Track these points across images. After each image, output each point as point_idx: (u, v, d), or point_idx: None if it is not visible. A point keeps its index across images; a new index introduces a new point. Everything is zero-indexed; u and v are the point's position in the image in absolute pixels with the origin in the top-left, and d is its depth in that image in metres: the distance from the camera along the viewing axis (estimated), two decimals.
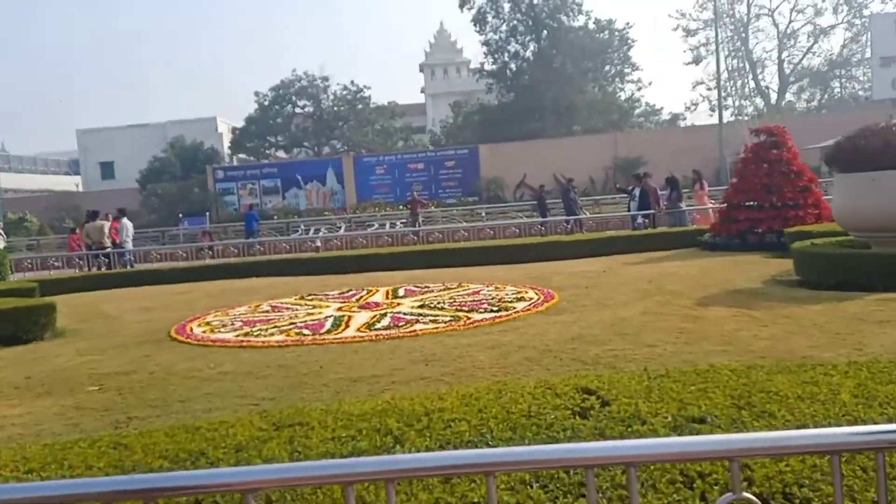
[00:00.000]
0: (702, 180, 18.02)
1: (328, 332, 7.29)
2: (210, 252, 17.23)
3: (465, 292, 9.50)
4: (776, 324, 6.34)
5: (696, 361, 5.20)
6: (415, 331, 7.01)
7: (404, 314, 7.97)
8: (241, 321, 8.35)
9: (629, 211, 16.89)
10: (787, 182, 13.04)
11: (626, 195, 17.62)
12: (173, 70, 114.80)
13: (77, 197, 41.25)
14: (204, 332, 7.81)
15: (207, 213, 31.31)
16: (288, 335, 7.23)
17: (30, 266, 16.30)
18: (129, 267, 16.15)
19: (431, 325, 7.22)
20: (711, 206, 16.94)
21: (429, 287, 10.27)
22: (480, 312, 7.74)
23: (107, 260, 16.02)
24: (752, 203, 13.20)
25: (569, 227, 16.63)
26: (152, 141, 44.41)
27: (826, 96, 55.17)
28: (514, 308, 7.85)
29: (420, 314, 7.92)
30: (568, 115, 41.29)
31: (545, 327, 6.74)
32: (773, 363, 3.86)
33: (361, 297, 9.76)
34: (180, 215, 30.87)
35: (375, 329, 7.25)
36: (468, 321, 7.28)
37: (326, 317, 8.18)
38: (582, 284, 9.45)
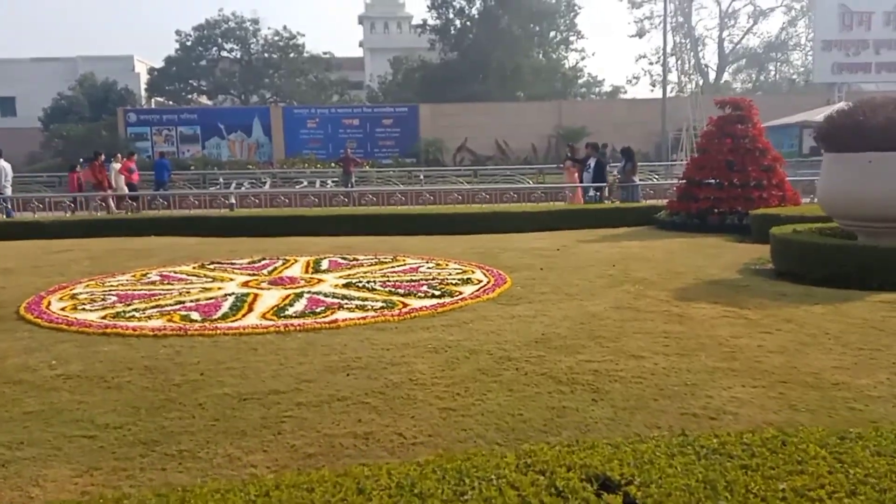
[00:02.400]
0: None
1: (224, 317, 5.71)
2: (103, 204, 15.14)
3: (401, 269, 8.04)
4: (780, 330, 5.16)
5: (702, 386, 3.95)
6: (336, 321, 5.52)
7: (324, 296, 6.46)
8: (116, 295, 6.65)
9: (580, 182, 15.68)
10: (752, 160, 12.05)
11: (577, 164, 16.40)
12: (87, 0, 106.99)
13: None
14: (63, 308, 6.10)
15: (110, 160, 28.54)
16: (170, 319, 5.62)
17: None
18: (7, 216, 13.93)
19: (358, 314, 5.74)
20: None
21: (358, 260, 8.76)
22: (419, 298, 6.30)
23: None
24: (712, 181, 12.18)
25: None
26: (60, 77, 40.61)
27: (762, 78, 55.72)
28: (460, 293, 6.45)
29: (344, 296, 6.42)
30: (513, 78, 39.91)
31: (500, 323, 5.37)
32: (870, 430, 2.57)
33: (275, 268, 8.17)
34: (81, 160, 28.05)
35: (285, 315, 5.73)
36: (404, 309, 5.84)
37: (226, 294, 6.57)
38: (536, 265, 8.13)
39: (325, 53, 46.91)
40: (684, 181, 12.72)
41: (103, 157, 18.12)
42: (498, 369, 4.23)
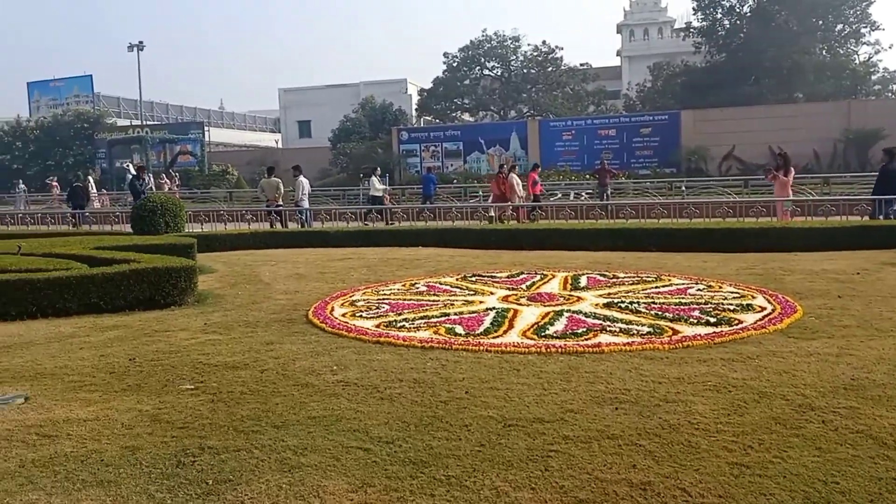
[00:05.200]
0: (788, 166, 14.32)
1: (486, 332, 5.70)
2: (379, 216, 16.40)
3: (667, 289, 7.49)
4: None
5: None
6: (599, 345, 5.22)
7: (585, 316, 6.18)
8: (389, 304, 7.01)
9: (875, 194, 13.55)
10: None
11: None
12: (375, 30, 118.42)
13: (276, 153, 43.25)
14: (344, 314, 6.55)
15: (387, 175, 31.06)
16: (436, 331, 5.75)
17: (206, 219, 16.43)
18: (303, 226, 15.70)
19: (622, 339, 5.38)
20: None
21: (618, 277, 8.35)
22: (691, 324, 5.75)
23: (279, 217, 15.70)
24: None
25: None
26: (346, 101, 45.39)
27: None
28: (740, 322, 5.77)
29: (606, 318, 6.09)
30: (790, 78, 36.25)
31: (794, 361, 4.65)
32: None
33: (534, 283, 8.07)
34: (361, 175, 30.91)
35: (545, 335, 5.56)
36: (675, 337, 5.36)
37: (487, 309, 6.59)
38: (831, 291, 7.05)
39: (582, 65, 46.76)
40: None
41: (508, 168, 18.44)
42: (798, 420, 3.62)
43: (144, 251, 8.91)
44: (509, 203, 16.66)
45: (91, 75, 49.19)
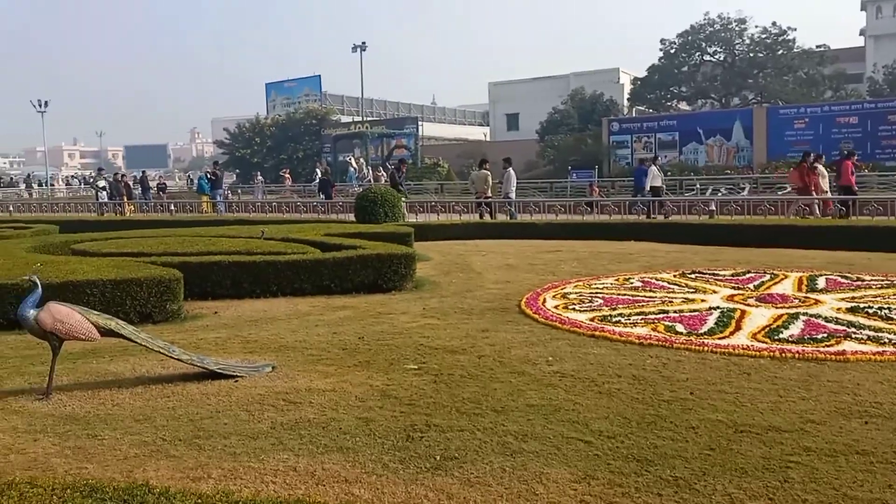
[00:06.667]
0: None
1: (710, 332, 5.38)
2: (589, 209, 16.10)
3: None
4: None
5: None
6: (843, 353, 4.71)
7: (825, 320, 5.61)
8: (602, 298, 6.87)
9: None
10: None
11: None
12: (585, 21, 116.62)
13: (484, 146, 44.28)
14: (556, 307, 6.53)
15: (597, 167, 30.45)
16: (655, 328, 5.53)
17: (420, 209, 17.23)
18: (511, 218, 15.92)
19: (871, 347, 4.81)
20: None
21: (864, 280, 7.48)
22: None
23: (488, 209, 16.04)
24: None
25: None
26: (555, 93, 45.20)
27: None
28: None
29: (850, 323, 5.48)
30: None
31: None
32: None
33: (762, 283, 7.47)
34: (569, 168, 30.59)
35: (779, 339, 5.12)
36: None
37: (710, 308, 6.22)
38: None
39: (818, 46, 42.40)
40: None
41: (812, 157, 16.29)
42: None
43: (368, 238, 9.55)
44: (814, 196, 14.99)
45: (319, 76, 53.59)
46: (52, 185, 49.30)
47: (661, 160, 31.42)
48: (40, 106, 53.32)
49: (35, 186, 44.16)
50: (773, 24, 41.69)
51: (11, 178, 48.39)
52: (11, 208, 26.09)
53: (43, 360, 4.81)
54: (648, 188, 17.92)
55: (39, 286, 4.44)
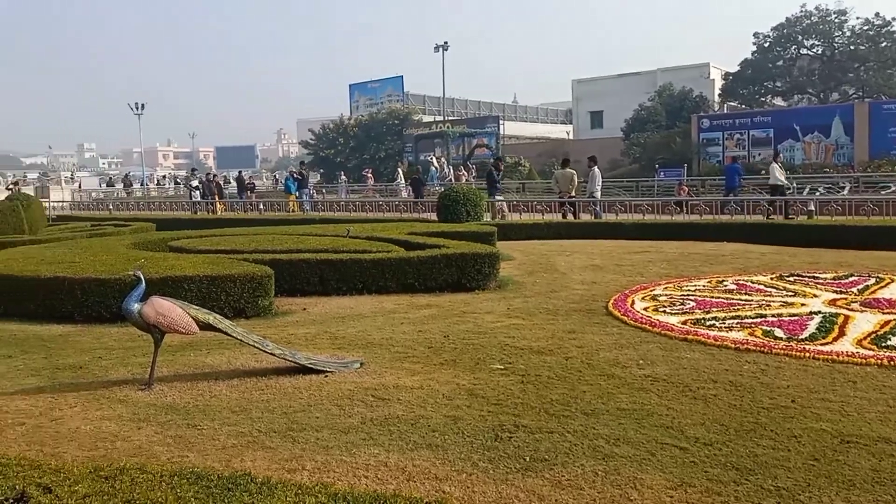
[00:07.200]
0: None
1: (811, 338, 5.12)
2: (678, 208, 15.61)
3: None
4: None
5: None
6: None
7: None
8: (695, 301, 6.65)
9: None
10: None
11: None
12: (673, 15, 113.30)
13: (566, 144, 43.70)
14: (646, 309, 6.37)
15: (686, 165, 29.50)
16: (752, 333, 5.31)
17: (516, 207, 17.13)
18: (596, 217, 15.62)
19: None
20: None
21: None
22: None
23: (572, 208, 15.79)
24: None
25: None
26: (641, 89, 44.10)
27: None
28: None
29: None
30: None
31: None
32: None
33: (867, 287, 7.06)
34: (657, 166, 29.76)
35: (887, 346, 4.82)
36: None
37: (811, 313, 5.91)
38: None
39: None
40: None
41: None
42: None
43: (451, 237, 9.58)
44: None
45: (402, 76, 54.24)
46: (148, 185, 51.89)
47: (756, 158, 30.23)
48: (137, 109, 56.27)
49: (136, 185, 46.55)
50: (877, 14, 39.40)
51: (110, 178, 51.28)
52: (111, 206, 27.63)
53: (144, 351, 5.06)
54: (769, 186, 17.21)
55: (143, 281, 4.66)
